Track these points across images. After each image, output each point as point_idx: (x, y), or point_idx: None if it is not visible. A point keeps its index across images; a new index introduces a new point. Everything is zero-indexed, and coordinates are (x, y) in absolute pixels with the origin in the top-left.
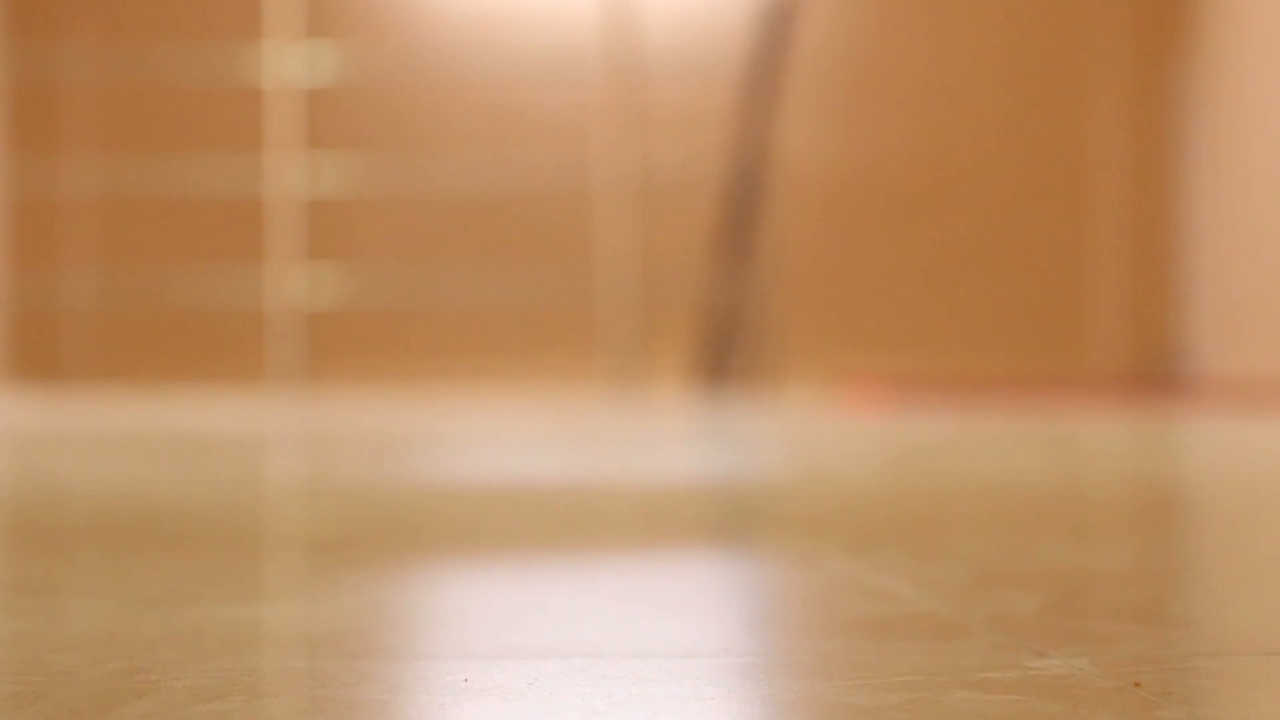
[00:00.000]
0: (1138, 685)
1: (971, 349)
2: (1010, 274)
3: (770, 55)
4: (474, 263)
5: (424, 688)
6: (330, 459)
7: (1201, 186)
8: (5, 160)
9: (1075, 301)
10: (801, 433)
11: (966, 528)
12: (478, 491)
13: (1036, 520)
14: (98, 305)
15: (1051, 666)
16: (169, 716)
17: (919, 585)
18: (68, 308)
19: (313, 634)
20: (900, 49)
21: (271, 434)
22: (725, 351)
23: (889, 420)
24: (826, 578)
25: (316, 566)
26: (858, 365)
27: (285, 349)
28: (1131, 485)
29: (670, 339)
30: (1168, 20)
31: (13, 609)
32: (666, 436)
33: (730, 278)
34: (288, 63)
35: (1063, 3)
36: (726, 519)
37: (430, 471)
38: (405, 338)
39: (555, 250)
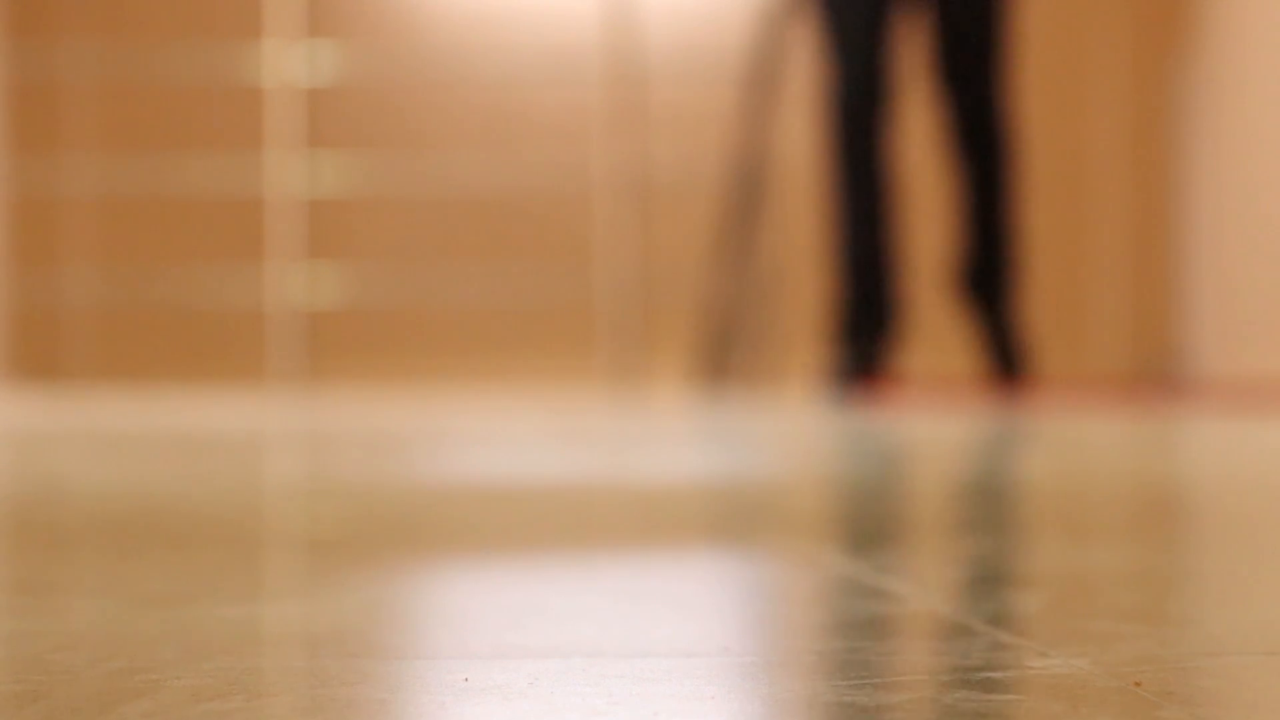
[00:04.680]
0: (1138, 685)
1: (972, 349)
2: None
3: (770, 55)
4: (474, 263)
5: (424, 687)
6: (330, 459)
7: (1201, 186)
8: (5, 160)
9: (1075, 301)
10: (801, 432)
11: (966, 528)
12: (478, 491)
13: (1036, 520)
14: (98, 305)
15: (1052, 666)
16: (169, 715)
17: (919, 585)
18: (68, 308)
19: (313, 633)
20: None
21: (271, 434)
22: (725, 351)
23: (888, 419)
24: (826, 578)
25: (316, 566)
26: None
27: (285, 349)
28: (1132, 485)
29: (670, 339)
30: (1168, 20)
31: (13, 608)
32: (666, 436)
33: (730, 278)
34: (288, 63)
35: (1063, 3)
36: (726, 519)
37: (430, 471)
38: (405, 338)
39: (555, 250)
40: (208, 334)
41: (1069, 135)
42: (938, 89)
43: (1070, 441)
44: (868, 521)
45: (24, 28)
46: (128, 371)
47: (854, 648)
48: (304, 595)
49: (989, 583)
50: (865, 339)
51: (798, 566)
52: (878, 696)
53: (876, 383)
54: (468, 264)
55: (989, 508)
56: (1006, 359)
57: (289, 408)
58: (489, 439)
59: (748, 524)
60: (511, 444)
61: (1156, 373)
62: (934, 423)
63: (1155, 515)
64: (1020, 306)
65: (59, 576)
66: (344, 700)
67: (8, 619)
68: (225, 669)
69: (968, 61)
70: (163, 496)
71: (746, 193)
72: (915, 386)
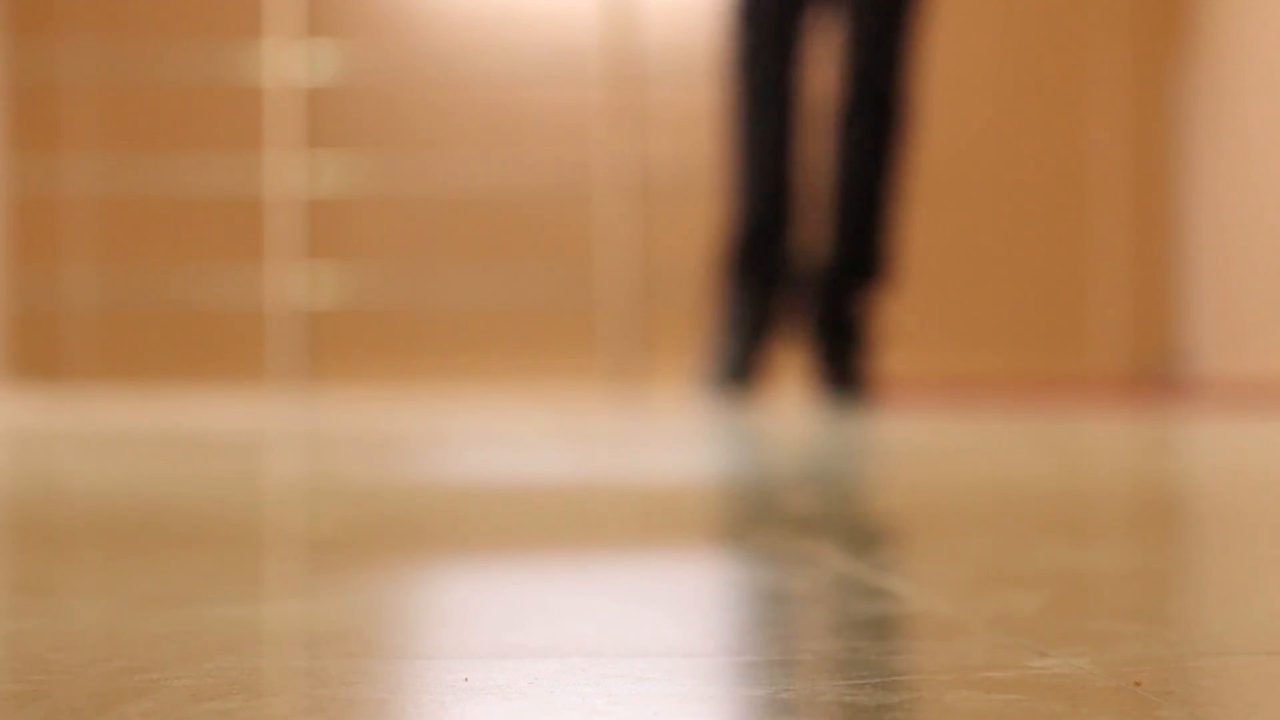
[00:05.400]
0: (1138, 685)
1: (971, 349)
2: (1010, 273)
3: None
4: (474, 262)
5: (424, 687)
6: (330, 459)
7: (1201, 186)
8: (5, 160)
9: (1075, 301)
10: (801, 432)
11: (966, 528)
12: (478, 491)
13: (1036, 520)
14: (98, 305)
15: (1052, 666)
16: (169, 715)
17: (919, 585)
18: (68, 307)
19: (313, 633)
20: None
21: (271, 434)
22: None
23: (888, 419)
24: (826, 578)
25: (316, 566)
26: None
27: (285, 349)
28: (1131, 485)
29: (670, 339)
30: (1168, 20)
31: (13, 608)
32: (666, 436)
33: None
34: (288, 63)
35: (1063, 3)
36: (727, 518)
37: (430, 471)
38: (405, 338)
39: (555, 250)
40: (208, 334)
41: (1069, 136)
42: (844, 47)
43: (1070, 441)
44: (867, 521)
45: (24, 28)
46: (128, 371)
47: (854, 648)
48: (304, 595)
49: (989, 583)
50: (759, 308)
51: (798, 566)
52: (878, 696)
53: (766, 371)
54: (468, 264)
55: (988, 507)
56: (848, 369)
57: (289, 408)
58: (489, 439)
59: (747, 524)
60: (512, 444)
61: (1156, 373)
62: (929, 423)
63: (1155, 515)
64: (878, 307)
65: (59, 576)
66: (344, 700)
67: (8, 619)
68: (225, 669)
69: (879, 22)
70: (163, 496)
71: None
72: (902, 386)
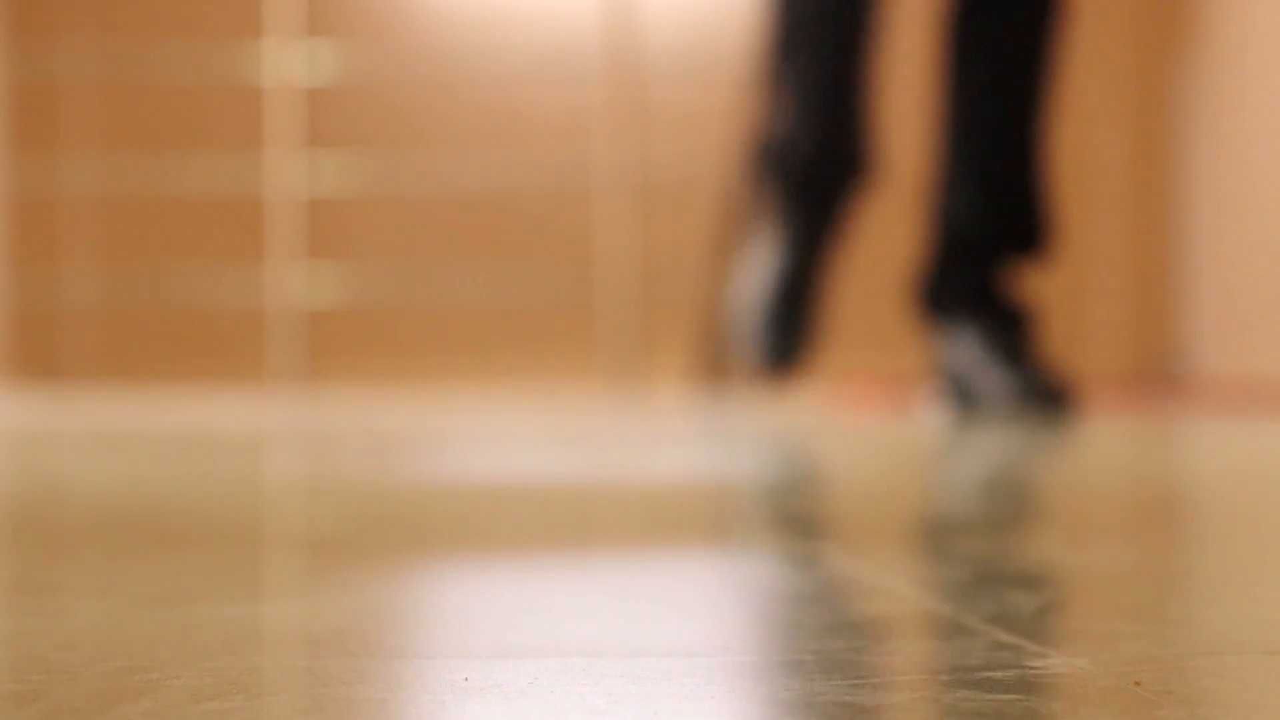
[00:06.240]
0: (1138, 684)
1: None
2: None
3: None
4: (474, 262)
5: (424, 686)
6: (330, 459)
7: (1202, 186)
8: (5, 160)
9: (1075, 301)
10: (801, 432)
11: (966, 528)
12: (478, 491)
13: (1036, 520)
14: (98, 304)
15: (1052, 665)
16: (169, 715)
17: (919, 585)
18: (68, 307)
19: (313, 633)
20: (899, 48)
21: (271, 434)
22: (725, 351)
23: (888, 420)
24: (826, 578)
25: (316, 566)
26: (857, 365)
27: (285, 349)
28: (1132, 485)
29: (670, 339)
30: (1168, 20)
31: (13, 608)
32: (666, 436)
33: (730, 277)
34: (288, 62)
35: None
36: (727, 519)
37: (430, 471)
38: (405, 337)
39: (555, 250)
40: (208, 334)
41: (1068, 135)
42: None
43: (1069, 441)
44: (867, 521)
45: (24, 28)
46: (128, 371)
47: (854, 648)
48: (304, 595)
49: (989, 583)
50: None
51: (798, 566)
52: (878, 696)
53: (809, 358)
54: (468, 264)
55: (988, 507)
56: (1039, 391)
57: (289, 407)
58: (489, 439)
59: (747, 524)
60: (512, 444)
61: (1157, 373)
62: (927, 422)
63: (1155, 515)
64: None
65: (59, 576)
66: (344, 700)
67: (8, 619)
68: (225, 669)
69: None
70: (163, 496)
71: (747, 191)
72: (902, 386)
